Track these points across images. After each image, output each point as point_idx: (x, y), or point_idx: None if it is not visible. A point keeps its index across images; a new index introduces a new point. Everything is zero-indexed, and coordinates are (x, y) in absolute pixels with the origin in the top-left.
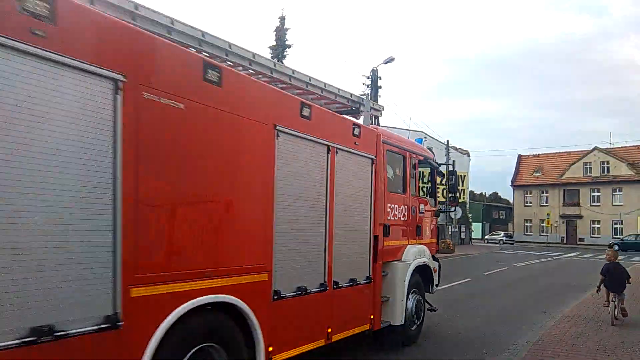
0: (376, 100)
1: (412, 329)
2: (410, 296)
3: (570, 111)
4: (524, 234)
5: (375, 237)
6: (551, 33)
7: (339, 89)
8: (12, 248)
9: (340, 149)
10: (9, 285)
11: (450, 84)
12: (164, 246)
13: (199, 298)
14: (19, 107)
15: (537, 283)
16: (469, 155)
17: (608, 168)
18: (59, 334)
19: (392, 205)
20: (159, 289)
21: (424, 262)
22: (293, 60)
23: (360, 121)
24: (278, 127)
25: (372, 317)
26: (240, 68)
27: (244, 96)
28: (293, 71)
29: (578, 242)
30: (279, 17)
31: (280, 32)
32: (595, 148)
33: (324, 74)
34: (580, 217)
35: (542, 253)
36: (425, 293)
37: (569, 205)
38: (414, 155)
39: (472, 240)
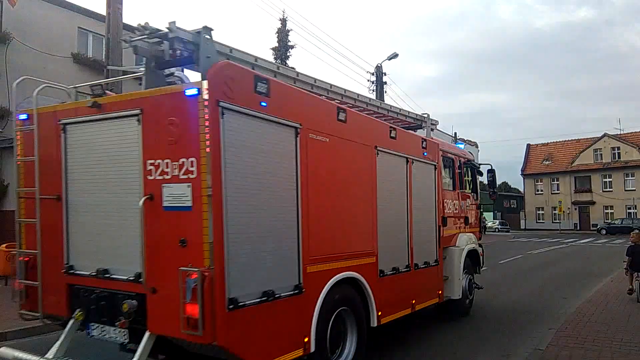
0: (382, 96)
1: (466, 303)
2: (463, 275)
3: (576, 99)
4: (536, 222)
5: (439, 228)
6: (553, 23)
7: (407, 111)
8: (254, 245)
9: (415, 159)
10: (256, 268)
11: (456, 77)
12: (322, 240)
13: (340, 273)
14: (254, 147)
15: (555, 269)
16: (477, 147)
17: (619, 154)
18: (276, 295)
19: (447, 201)
20: (320, 267)
21: (474, 247)
22: (297, 61)
23: (423, 133)
24: (378, 148)
25: (439, 292)
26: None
27: (358, 128)
28: (370, 99)
29: (591, 228)
30: (280, 19)
31: (282, 34)
32: (605, 134)
33: (328, 72)
34: (592, 203)
35: (555, 240)
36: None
37: (581, 192)
38: (460, 158)
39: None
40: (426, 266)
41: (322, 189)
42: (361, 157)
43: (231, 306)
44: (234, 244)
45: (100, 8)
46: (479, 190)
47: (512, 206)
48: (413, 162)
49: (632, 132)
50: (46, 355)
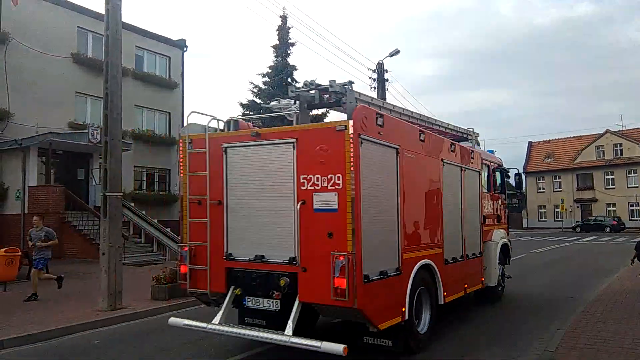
0: (383, 93)
1: (499, 290)
2: (498, 266)
3: (577, 96)
4: (538, 220)
5: (481, 225)
6: (552, 19)
7: (456, 126)
8: (377, 237)
9: (466, 168)
10: (378, 253)
11: (456, 75)
12: (411, 233)
13: (422, 260)
14: (376, 165)
15: (559, 268)
16: (479, 145)
17: (621, 150)
18: (387, 274)
19: (485, 202)
20: (410, 255)
21: (505, 241)
22: (297, 59)
23: (469, 144)
24: (443, 160)
25: (482, 279)
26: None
27: (431, 145)
28: (430, 118)
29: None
30: (280, 16)
31: (283, 31)
32: (607, 131)
33: (330, 69)
34: (595, 200)
35: (558, 238)
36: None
37: (583, 189)
38: (492, 164)
39: None
40: (474, 257)
41: (410, 194)
42: (433, 168)
43: (365, 280)
44: (366, 236)
45: (99, 6)
46: (506, 192)
47: (515, 204)
48: (465, 170)
49: (634, 129)
50: (212, 321)
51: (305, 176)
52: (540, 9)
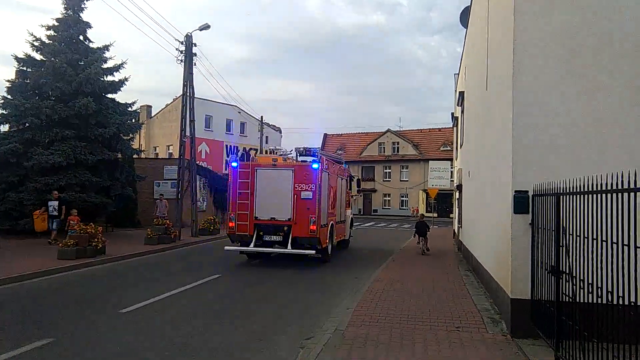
0: (191, 68)
1: (349, 240)
2: (349, 228)
3: (368, 96)
4: None
5: (346, 209)
6: (352, 22)
7: (338, 156)
8: (327, 212)
9: (342, 177)
10: (323, 217)
11: (266, 62)
12: (330, 210)
13: (331, 221)
14: (324, 180)
15: (348, 252)
16: (280, 132)
17: (398, 148)
18: (325, 226)
19: (345, 194)
20: (330, 218)
21: (352, 216)
22: (93, 15)
23: (342, 164)
24: (337, 175)
25: (345, 234)
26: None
27: (335, 169)
28: (334, 155)
29: (372, 213)
30: None
31: None
32: (388, 130)
33: (132, 33)
34: (374, 190)
35: None
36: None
37: (366, 180)
38: (348, 174)
39: None
40: (343, 222)
41: (329, 192)
42: (335, 179)
43: (321, 227)
44: (320, 209)
45: None
46: (351, 189)
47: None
48: (342, 179)
49: (409, 130)
50: (250, 246)
51: (297, 184)
52: (343, 11)
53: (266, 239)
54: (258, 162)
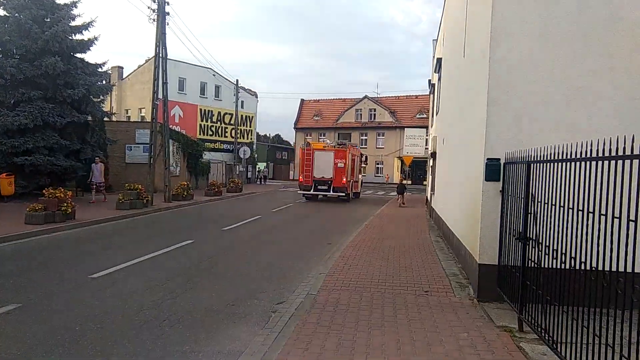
0: (164, 28)
1: (353, 196)
2: (359, 188)
3: (347, 62)
4: None
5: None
6: None
7: (356, 144)
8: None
9: (358, 156)
10: (349, 179)
11: (235, 23)
12: (352, 177)
13: (353, 182)
14: (350, 159)
15: (323, 216)
16: (256, 97)
17: (375, 115)
18: (349, 182)
19: (360, 167)
20: (354, 179)
21: (362, 179)
22: None
23: (356, 146)
24: (356, 155)
25: (358, 189)
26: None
27: (355, 151)
28: (352, 143)
29: None
30: None
31: None
32: (366, 97)
33: None
34: None
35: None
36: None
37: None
38: (360, 153)
39: (267, 180)
40: (357, 182)
41: (354, 167)
42: (356, 159)
43: (347, 181)
44: (347, 174)
45: None
46: (362, 164)
47: (284, 157)
48: (359, 157)
49: (386, 97)
50: (311, 191)
51: (335, 159)
52: None
53: (319, 187)
54: (314, 147)
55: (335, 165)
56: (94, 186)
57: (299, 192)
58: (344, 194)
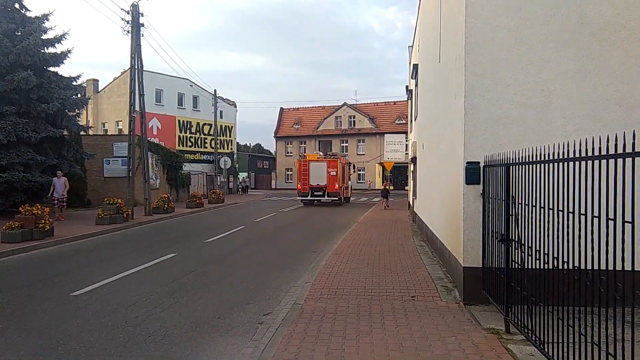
0: (138, 39)
1: (344, 201)
2: (350, 193)
3: (325, 70)
4: (285, 182)
5: (348, 186)
6: None
7: (343, 155)
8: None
9: (346, 165)
10: (340, 185)
11: (212, 34)
12: (343, 183)
13: (343, 187)
14: (340, 168)
15: (307, 224)
16: (235, 107)
17: (354, 122)
18: (341, 188)
19: (348, 175)
20: (344, 185)
21: (351, 185)
22: None
23: (344, 157)
24: (344, 164)
25: (348, 194)
26: None
27: (343, 161)
28: (341, 154)
29: None
30: None
31: None
32: (345, 104)
33: (75, 4)
34: None
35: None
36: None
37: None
38: (348, 162)
39: (250, 190)
40: (347, 188)
41: (343, 175)
42: (344, 167)
43: (339, 187)
44: (339, 182)
45: None
46: (350, 172)
47: (265, 167)
48: (348, 165)
49: (364, 104)
50: (308, 197)
51: (328, 168)
52: None
53: (315, 193)
54: (309, 159)
55: (328, 173)
56: (56, 201)
57: (297, 198)
58: (337, 198)
